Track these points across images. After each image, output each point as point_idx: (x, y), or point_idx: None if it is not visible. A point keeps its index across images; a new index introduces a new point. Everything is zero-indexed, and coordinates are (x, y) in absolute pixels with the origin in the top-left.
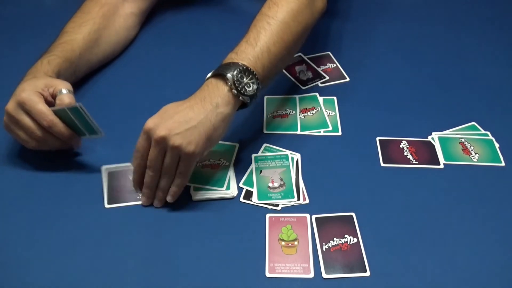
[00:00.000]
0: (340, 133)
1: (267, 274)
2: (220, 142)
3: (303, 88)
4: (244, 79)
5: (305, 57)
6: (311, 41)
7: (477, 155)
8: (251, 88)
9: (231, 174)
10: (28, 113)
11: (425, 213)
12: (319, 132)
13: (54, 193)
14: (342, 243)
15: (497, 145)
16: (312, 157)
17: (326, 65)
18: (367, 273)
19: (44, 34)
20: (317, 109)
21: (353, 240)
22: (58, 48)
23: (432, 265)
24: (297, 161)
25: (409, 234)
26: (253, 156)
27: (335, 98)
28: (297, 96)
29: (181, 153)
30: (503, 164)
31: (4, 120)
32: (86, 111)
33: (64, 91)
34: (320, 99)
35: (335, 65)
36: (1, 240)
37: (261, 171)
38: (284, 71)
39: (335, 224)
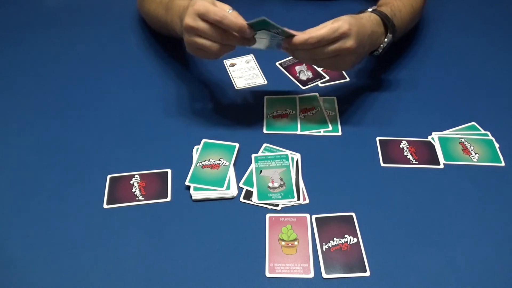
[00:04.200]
0: (340, 133)
1: (267, 274)
2: (220, 142)
3: (303, 88)
4: (388, 45)
5: None
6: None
7: (477, 155)
8: (382, 52)
9: (231, 174)
10: (206, 19)
11: (425, 213)
12: (319, 132)
13: (54, 192)
14: (342, 243)
15: (497, 145)
16: (312, 157)
17: None
18: (367, 273)
19: (44, 34)
20: (317, 109)
21: (353, 240)
22: None
23: (432, 265)
24: (297, 161)
25: (409, 234)
26: (253, 156)
27: (335, 98)
28: (297, 96)
29: (347, 61)
30: (503, 164)
31: (185, 39)
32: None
33: (230, 10)
34: (320, 99)
35: None
36: (1, 240)
37: (261, 171)
38: (284, 71)
39: (335, 224)
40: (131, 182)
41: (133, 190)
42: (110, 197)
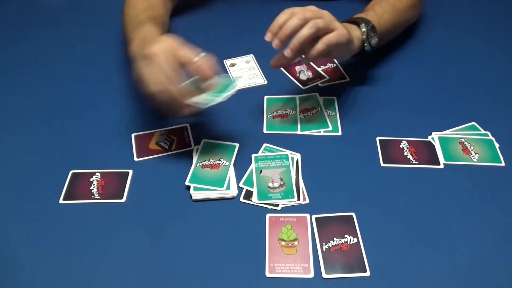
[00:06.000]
0: (340, 133)
1: (267, 274)
2: (220, 142)
3: (303, 88)
4: (371, 33)
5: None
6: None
7: (477, 155)
8: (373, 42)
9: (231, 174)
10: (172, 55)
11: (425, 213)
12: (319, 132)
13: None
14: (342, 243)
15: (497, 145)
16: (312, 157)
17: (326, 65)
18: (367, 273)
19: (44, 34)
20: (317, 109)
21: (353, 240)
22: (150, 19)
23: (432, 265)
24: (297, 161)
25: (409, 234)
26: (253, 156)
27: (335, 98)
28: (297, 96)
29: (337, 28)
30: (503, 164)
31: (138, 64)
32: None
33: (197, 57)
34: (320, 99)
35: (335, 65)
36: (2, 239)
37: (261, 171)
38: (284, 71)
39: (335, 224)
40: (91, 179)
41: (91, 188)
42: (68, 193)
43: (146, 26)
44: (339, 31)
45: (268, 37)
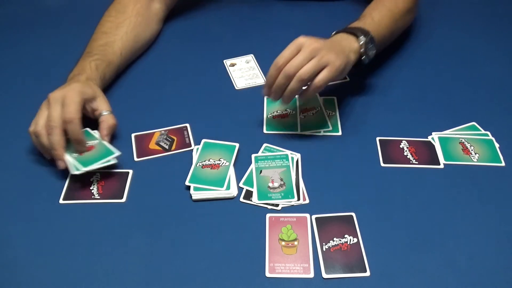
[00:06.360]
0: (340, 133)
1: (267, 274)
2: (220, 142)
3: (303, 88)
4: (369, 45)
5: None
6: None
7: (477, 155)
8: (371, 53)
9: (231, 174)
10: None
11: (425, 213)
12: (319, 132)
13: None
14: (342, 243)
15: (497, 145)
16: (312, 157)
17: None
18: (367, 273)
19: (44, 34)
20: (317, 109)
21: (353, 240)
22: (100, 50)
23: (432, 265)
24: (297, 161)
25: (409, 234)
26: (253, 156)
27: (335, 98)
28: (297, 96)
29: (330, 63)
30: (503, 164)
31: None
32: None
33: (105, 112)
34: (320, 99)
35: None
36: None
37: (261, 171)
38: None
39: (335, 224)
40: (91, 179)
41: (91, 188)
42: (68, 193)
43: (85, 62)
44: (331, 68)
45: (265, 92)
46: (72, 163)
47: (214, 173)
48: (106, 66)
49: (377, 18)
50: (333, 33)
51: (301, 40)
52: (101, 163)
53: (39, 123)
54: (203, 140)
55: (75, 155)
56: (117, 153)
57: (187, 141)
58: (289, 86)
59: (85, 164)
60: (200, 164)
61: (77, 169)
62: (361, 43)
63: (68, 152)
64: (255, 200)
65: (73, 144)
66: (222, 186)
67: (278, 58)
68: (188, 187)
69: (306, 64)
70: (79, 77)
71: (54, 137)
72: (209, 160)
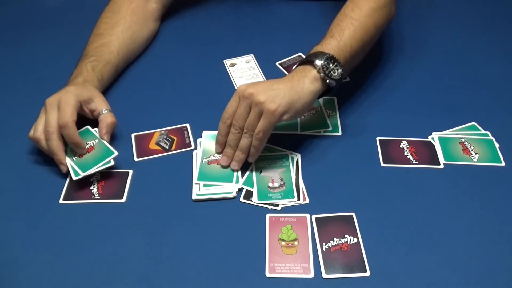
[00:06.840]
0: (340, 133)
1: (267, 274)
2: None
3: None
4: (331, 65)
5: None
6: (312, 41)
7: (477, 155)
8: (336, 73)
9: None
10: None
11: (425, 213)
12: (319, 132)
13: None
14: (342, 243)
15: (497, 145)
16: (312, 157)
17: None
18: (367, 273)
19: (44, 34)
20: (317, 109)
21: (353, 240)
22: (96, 51)
23: (432, 265)
24: (297, 161)
25: (409, 234)
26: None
27: (335, 98)
28: None
29: (264, 108)
30: (503, 164)
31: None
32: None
33: (104, 111)
34: (320, 99)
35: None
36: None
37: (261, 171)
38: (284, 71)
39: (335, 224)
40: (91, 179)
41: (91, 188)
42: (68, 193)
43: (82, 64)
44: (265, 115)
45: (217, 149)
46: (72, 167)
47: (221, 168)
48: (103, 67)
49: (337, 33)
50: (295, 66)
51: (239, 88)
52: (99, 167)
53: (38, 129)
54: (204, 132)
55: (75, 158)
56: (115, 153)
57: (187, 141)
58: (241, 143)
59: (84, 168)
60: (206, 160)
61: (77, 174)
62: (318, 68)
63: (69, 155)
64: (255, 200)
65: (71, 147)
66: (231, 180)
67: (223, 113)
68: (189, 187)
69: (248, 113)
70: (76, 80)
71: (52, 142)
72: (214, 156)
